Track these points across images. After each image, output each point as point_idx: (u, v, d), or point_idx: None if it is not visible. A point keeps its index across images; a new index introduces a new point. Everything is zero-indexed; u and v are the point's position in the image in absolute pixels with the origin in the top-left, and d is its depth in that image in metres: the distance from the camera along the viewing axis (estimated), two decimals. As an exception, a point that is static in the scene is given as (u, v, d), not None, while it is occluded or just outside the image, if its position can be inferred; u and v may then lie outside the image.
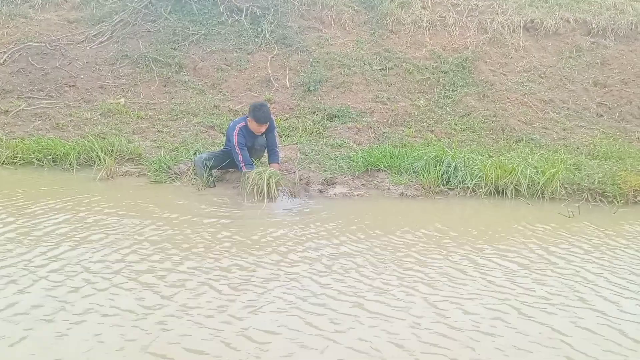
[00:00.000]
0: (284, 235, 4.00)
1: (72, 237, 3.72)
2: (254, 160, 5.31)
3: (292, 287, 3.09)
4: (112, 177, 5.51)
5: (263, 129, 5.15)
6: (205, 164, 5.25)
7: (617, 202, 5.28)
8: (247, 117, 5.19)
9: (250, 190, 4.88)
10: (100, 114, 7.34)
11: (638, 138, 7.74)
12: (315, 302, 2.90)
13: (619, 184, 5.41)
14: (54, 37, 8.99)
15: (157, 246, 3.63)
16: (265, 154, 5.58)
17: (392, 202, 5.15)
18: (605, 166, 5.98)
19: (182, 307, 2.79)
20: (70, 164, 5.77)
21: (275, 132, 5.42)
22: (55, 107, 7.42)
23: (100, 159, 5.64)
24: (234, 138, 5.06)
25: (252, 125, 5.11)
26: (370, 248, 3.78)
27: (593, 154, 6.83)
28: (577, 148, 7.07)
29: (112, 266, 3.27)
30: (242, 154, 5.06)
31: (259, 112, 5.03)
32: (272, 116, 5.34)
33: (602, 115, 8.47)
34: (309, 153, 6.32)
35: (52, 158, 5.89)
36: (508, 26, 10.10)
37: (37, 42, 8.73)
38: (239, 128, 5.10)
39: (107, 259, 3.38)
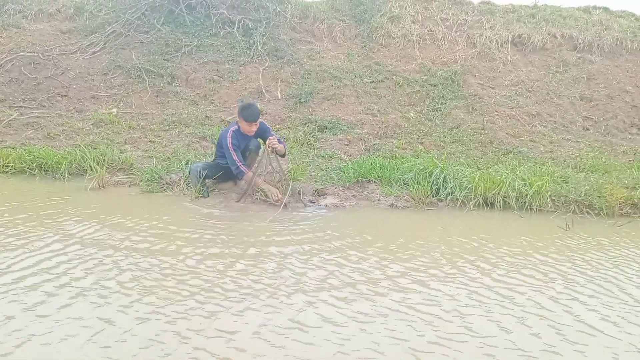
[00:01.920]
0: (285, 243, 4.01)
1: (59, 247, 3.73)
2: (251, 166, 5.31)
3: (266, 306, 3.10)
4: (103, 187, 5.51)
5: (254, 127, 5.18)
6: (200, 174, 5.27)
7: (604, 214, 5.39)
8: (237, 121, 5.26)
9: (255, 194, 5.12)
10: (92, 124, 7.36)
11: (623, 151, 7.90)
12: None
13: (605, 197, 5.52)
14: (46, 47, 9.04)
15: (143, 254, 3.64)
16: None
17: (382, 213, 5.20)
18: (592, 179, 6.09)
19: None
20: (61, 174, 5.77)
21: (272, 132, 5.45)
22: (47, 116, 7.43)
23: (91, 169, 5.66)
24: (227, 141, 5.13)
25: (243, 126, 5.16)
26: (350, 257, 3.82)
27: (580, 166, 6.96)
28: (564, 161, 7.20)
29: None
30: (235, 154, 5.15)
31: (247, 110, 5.08)
32: (267, 126, 5.42)
33: (588, 129, 8.65)
34: (300, 164, 6.37)
35: (44, 167, 5.89)
36: (496, 41, 10.32)
37: (30, 52, 8.78)
38: (232, 131, 5.20)
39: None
